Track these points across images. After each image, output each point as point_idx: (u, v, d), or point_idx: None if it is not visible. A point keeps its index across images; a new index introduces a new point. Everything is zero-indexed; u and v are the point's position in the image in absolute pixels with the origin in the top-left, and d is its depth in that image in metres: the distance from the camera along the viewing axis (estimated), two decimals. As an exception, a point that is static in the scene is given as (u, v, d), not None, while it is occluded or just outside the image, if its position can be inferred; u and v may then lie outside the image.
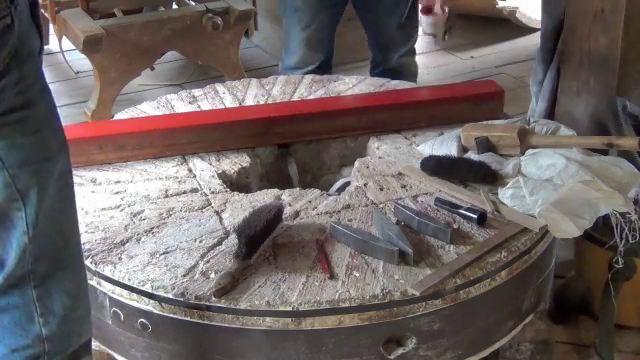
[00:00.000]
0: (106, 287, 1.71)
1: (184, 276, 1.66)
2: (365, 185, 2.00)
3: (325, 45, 2.97)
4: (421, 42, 4.50)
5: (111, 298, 1.70)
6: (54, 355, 1.43)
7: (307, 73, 2.85)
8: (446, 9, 2.59)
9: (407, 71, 3.03)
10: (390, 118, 2.29)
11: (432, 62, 4.28)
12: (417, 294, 1.61)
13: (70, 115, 3.69)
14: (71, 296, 1.43)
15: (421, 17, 2.65)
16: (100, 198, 1.97)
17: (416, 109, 2.32)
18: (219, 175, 2.07)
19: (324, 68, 2.96)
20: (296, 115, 2.28)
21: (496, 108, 2.32)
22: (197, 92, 2.50)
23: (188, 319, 1.62)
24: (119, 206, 1.93)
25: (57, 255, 1.41)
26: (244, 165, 2.14)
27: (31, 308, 1.40)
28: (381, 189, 1.98)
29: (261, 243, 1.74)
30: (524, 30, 4.50)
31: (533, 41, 3.79)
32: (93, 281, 1.73)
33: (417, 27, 3.05)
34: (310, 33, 2.88)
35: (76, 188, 2.00)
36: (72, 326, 1.45)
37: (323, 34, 2.92)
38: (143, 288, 1.65)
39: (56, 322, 1.42)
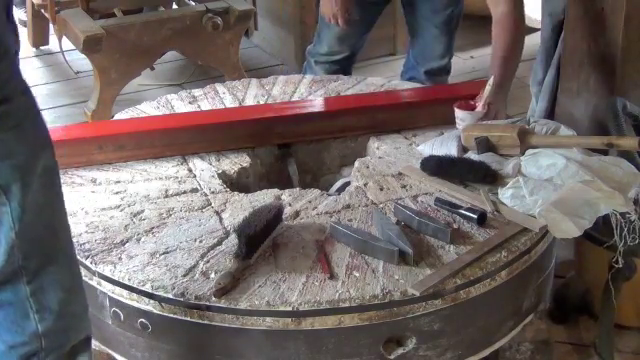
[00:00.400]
0: (106, 287, 1.71)
1: (184, 276, 1.66)
2: (365, 185, 2.00)
3: (356, 42, 2.99)
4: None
5: (111, 298, 1.71)
6: (51, 351, 1.43)
7: (329, 62, 2.87)
8: (486, 107, 2.18)
9: None
10: (390, 118, 2.29)
11: (432, 62, 4.27)
12: (417, 294, 1.61)
13: (70, 115, 3.70)
14: (65, 290, 1.43)
15: (457, 112, 2.19)
16: (100, 198, 1.97)
17: (416, 109, 2.32)
18: (219, 175, 2.07)
19: (348, 61, 2.98)
20: (296, 115, 2.28)
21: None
22: (197, 92, 2.51)
23: (188, 319, 1.62)
24: (119, 206, 1.93)
25: (47, 250, 1.40)
26: (244, 165, 2.14)
27: (25, 304, 1.40)
28: (381, 189, 1.98)
29: (261, 243, 1.74)
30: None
31: (533, 41, 3.78)
32: (93, 281, 1.73)
33: (453, 43, 3.06)
34: (342, 29, 2.87)
35: (76, 188, 2.01)
36: (68, 322, 1.45)
37: (356, 31, 2.92)
38: (143, 288, 1.65)
39: (52, 318, 1.42)
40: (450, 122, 2.22)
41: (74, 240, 1.78)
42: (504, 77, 2.24)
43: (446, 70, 3.07)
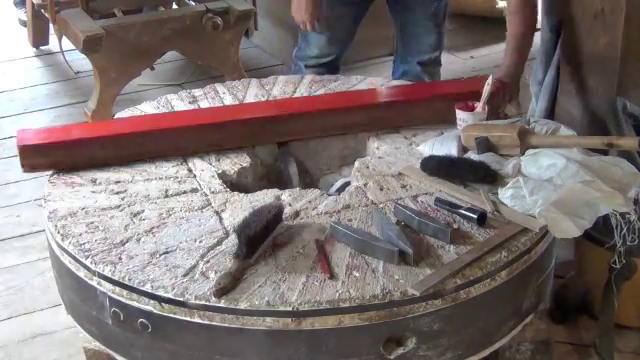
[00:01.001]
0: (106, 287, 1.71)
1: (184, 276, 1.66)
2: (365, 185, 2.00)
3: (346, 42, 2.98)
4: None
5: (111, 298, 1.70)
6: None
7: (319, 65, 2.86)
8: (486, 108, 2.21)
9: (429, 79, 3.01)
10: (389, 115, 2.29)
11: (432, 62, 4.27)
12: (417, 294, 1.61)
13: (70, 115, 3.70)
14: None
15: (457, 113, 2.20)
16: (100, 198, 1.97)
17: (415, 106, 2.32)
18: (219, 175, 2.07)
19: (336, 62, 2.98)
20: (293, 114, 2.27)
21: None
22: (197, 92, 2.51)
23: (188, 319, 1.62)
24: (119, 206, 1.93)
25: None
26: (244, 165, 2.14)
27: None
28: (381, 189, 1.98)
29: (261, 243, 1.74)
30: (524, 30, 4.49)
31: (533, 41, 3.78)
32: (93, 281, 1.73)
33: (444, 37, 3.06)
34: (329, 28, 2.87)
35: (76, 188, 2.01)
36: None
37: (345, 32, 2.92)
38: (143, 288, 1.65)
39: None
40: (449, 120, 2.22)
41: (74, 240, 1.79)
42: (518, 58, 2.43)
43: (437, 62, 3.07)
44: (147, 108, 2.41)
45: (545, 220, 1.79)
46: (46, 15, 3.90)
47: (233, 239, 1.75)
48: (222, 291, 1.60)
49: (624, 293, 2.12)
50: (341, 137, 2.29)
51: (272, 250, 1.74)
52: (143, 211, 1.91)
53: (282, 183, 2.20)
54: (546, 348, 1.97)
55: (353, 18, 2.95)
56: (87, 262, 1.73)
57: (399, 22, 3.03)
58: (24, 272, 2.66)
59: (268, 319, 1.59)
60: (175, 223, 1.85)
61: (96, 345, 1.85)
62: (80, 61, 3.91)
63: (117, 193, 1.99)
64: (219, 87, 2.55)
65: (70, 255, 1.79)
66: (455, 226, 1.81)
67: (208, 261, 1.71)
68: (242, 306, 1.59)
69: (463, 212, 1.84)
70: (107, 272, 1.70)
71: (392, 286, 1.62)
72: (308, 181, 2.28)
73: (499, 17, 4.53)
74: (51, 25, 4.00)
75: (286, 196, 1.96)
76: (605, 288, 2.11)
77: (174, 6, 4.04)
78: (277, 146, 2.28)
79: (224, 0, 3.60)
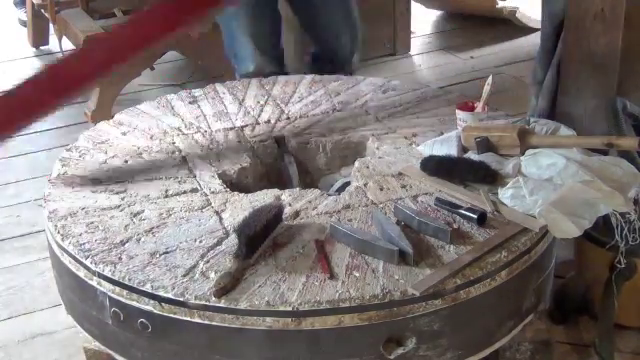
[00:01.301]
0: (106, 287, 1.71)
1: (184, 276, 1.66)
2: (365, 185, 2.00)
3: (270, 53, 2.95)
4: (421, 42, 4.52)
5: (111, 298, 1.70)
6: None
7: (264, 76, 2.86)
8: (487, 108, 2.21)
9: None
10: None
11: (432, 62, 4.28)
12: (417, 294, 1.61)
13: (70, 115, 3.69)
14: None
15: (457, 113, 2.20)
16: (100, 198, 1.97)
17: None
18: (219, 175, 2.07)
19: (280, 69, 2.94)
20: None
21: None
22: (197, 92, 2.51)
23: (188, 319, 1.62)
24: (119, 206, 1.93)
25: None
26: (244, 165, 2.14)
27: None
28: (381, 189, 1.98)
29: (261, 243, 1.74)
30: (524, 30, 4.50)
31: (533, 41, 3.78)
32: (93, 281, 1.73)
33: (357, 24, 3.02)
34: (256, 38, 2.84)
35: (76, 188, 2.01)
36: None
37: (264, 42, 2.89)
38: (143, 288, 1.65)
39: None
40: None
41: (74, 240, 1.79)
42: None
43: (353, 51, 3.04)
44: (147, 108, 2.41)
45: (545, 220, 1.79)
46: (46, 15, 3.91)
47: (233, 239, 1.75)
48: (222, 291, 1.60)
49: (624, 293, 2.12)
50: (341, 137, 2.29)
51: (272, 250, 1.74)
52: (143, 211, 1.91)
53: (282, 183, 2.21)
54: (546, 348, 1.97)
55: (269, 28, 2.91)
56: (87, 262, 1.73)
57: (304, 21, 2.99)
58: (24, 272, 2.66)
59: (268, 319, 1.59)
60: (175, 223, 1.85)
61: (96, 345, 1.85)
62: (80, 61, 3.91)
63: (117, 193, 1.99)
64: (219, 87, 2.55)
65: (70, 255, 1.79)
66: (455, 226, 1.81)
67: (208, 261, 1.71)
68: (242, 306, 1.59)
69: (463, 212, 1.84)
70: (107, 272, 1.70)
71: (392, 286, 1.62)
72: (308, 181, 2.28)
73: (499, 17, 4.54)
74: (51, 25, 4.00)
75: (286, 196, 1.96)
76: (605, 288, 2.11)
77: (174, 6, 4.03)
78: (277, 146, 2.28)
79: (224, 0, 3.60)
